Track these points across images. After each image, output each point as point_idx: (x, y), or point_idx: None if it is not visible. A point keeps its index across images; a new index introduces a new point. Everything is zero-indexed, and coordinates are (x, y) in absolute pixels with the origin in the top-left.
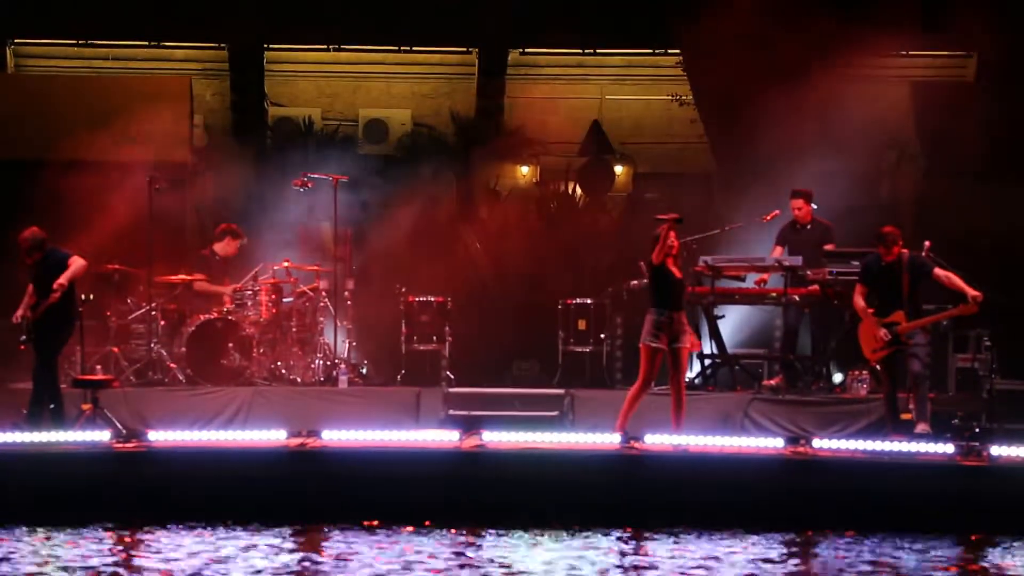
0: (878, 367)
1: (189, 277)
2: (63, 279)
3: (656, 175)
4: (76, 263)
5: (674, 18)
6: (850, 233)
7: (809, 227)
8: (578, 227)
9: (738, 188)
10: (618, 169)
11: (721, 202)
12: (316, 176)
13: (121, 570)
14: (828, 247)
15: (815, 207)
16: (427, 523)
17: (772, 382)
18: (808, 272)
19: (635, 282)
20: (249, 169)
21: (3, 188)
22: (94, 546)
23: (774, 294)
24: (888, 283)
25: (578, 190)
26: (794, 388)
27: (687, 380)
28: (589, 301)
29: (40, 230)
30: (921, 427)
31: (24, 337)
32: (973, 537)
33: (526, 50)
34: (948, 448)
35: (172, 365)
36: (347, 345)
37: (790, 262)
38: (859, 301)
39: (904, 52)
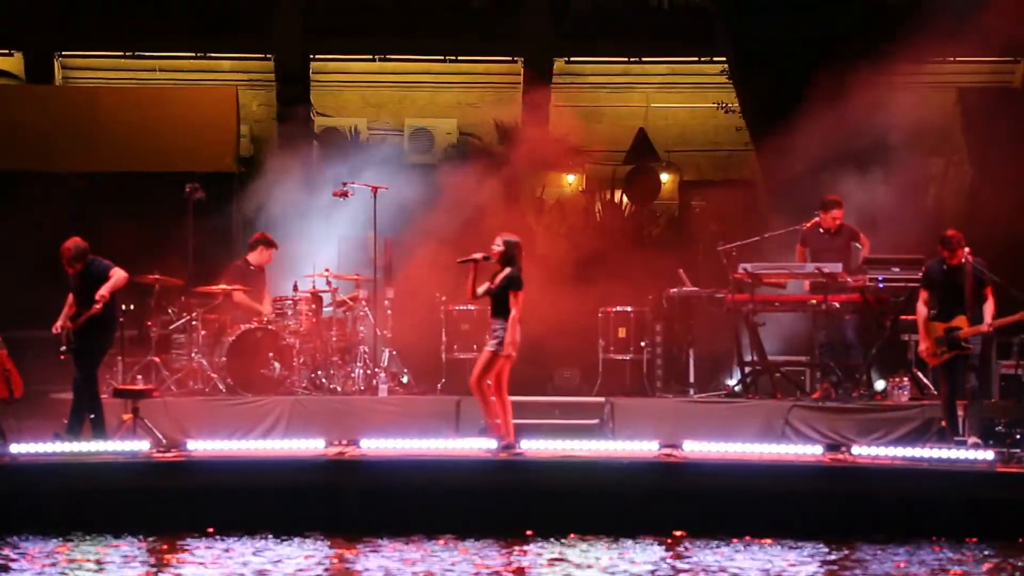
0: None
1: (229, 287)
2: (104, 291)
3: (702, 183)
4: (117, 274)
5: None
6: (895, 241)
7: (834, 232)
8: (624, 235)
9: (784, 195)
10: (664, 177)
11: (767, 209)
12: (356, 185)
13: None
14: (860, 247)
15: None
16: (465, 532)
17: (820, 391)
18: (849, 279)
19: (675, 289)
20: (295, 179)
21: (50, 199)
22: (133, 556)
23: (814, 301)
24: (952, 287)
25: (624, 198)
26: (835, 395)
27: (730, 387)
28: (629, 309)
29: (82, 240)
30: (972, 440)
31: (64, 348)
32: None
33: (571, 59)
34: (988, 455)
35: (212, 375)
36: (387, 354)
37: (831, 269)
38: (921, 308)
39: (951, 58)
